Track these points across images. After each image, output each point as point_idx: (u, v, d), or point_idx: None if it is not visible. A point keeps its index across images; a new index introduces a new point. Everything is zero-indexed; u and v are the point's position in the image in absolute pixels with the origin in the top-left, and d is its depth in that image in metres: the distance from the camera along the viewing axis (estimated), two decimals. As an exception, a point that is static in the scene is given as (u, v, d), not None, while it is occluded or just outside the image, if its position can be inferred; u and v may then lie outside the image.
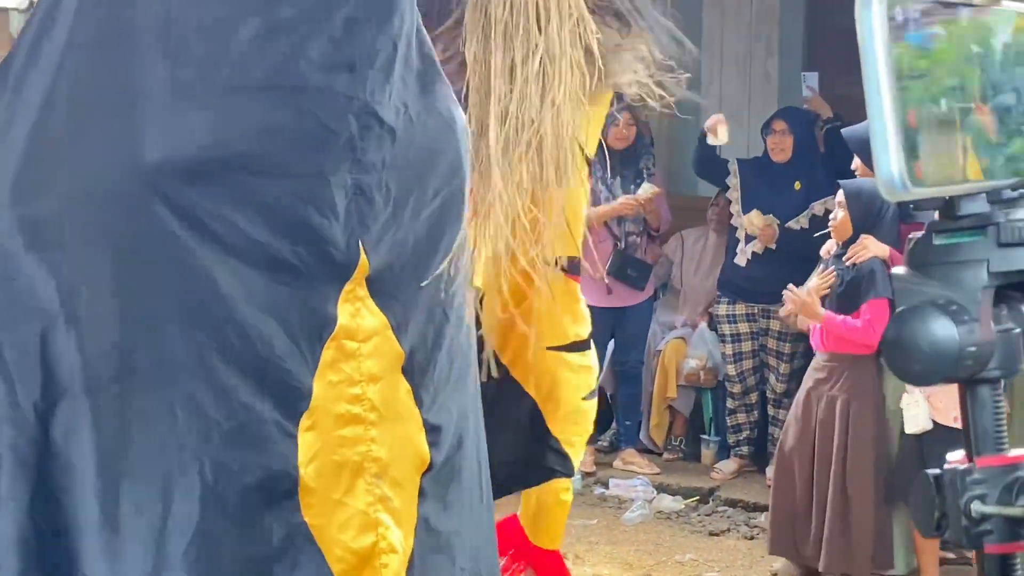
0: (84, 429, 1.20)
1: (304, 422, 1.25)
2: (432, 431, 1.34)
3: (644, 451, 6.08)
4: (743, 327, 5.75)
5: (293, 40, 1.21)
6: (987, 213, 0.99)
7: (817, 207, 5.42)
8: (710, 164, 5.78)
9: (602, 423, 5.94)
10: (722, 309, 5.82)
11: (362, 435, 1.29)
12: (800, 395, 4.55)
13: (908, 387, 4.05)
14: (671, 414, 6.19)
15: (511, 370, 2.42)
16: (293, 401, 1.25)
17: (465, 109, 1.55)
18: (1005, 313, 1.00)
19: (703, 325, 6.09)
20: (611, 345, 5.99)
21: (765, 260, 5.53)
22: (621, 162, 5.83)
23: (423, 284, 1.31)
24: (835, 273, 4.32)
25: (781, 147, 5.59)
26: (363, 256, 1.26)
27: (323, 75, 1.22)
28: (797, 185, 5.56)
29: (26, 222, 1.19)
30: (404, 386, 1.31)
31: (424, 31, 1.33)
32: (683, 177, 6.46)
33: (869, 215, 4.32)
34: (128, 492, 1.21)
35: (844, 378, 4.34)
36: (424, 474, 1.35)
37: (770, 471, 5.62)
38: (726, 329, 5.79)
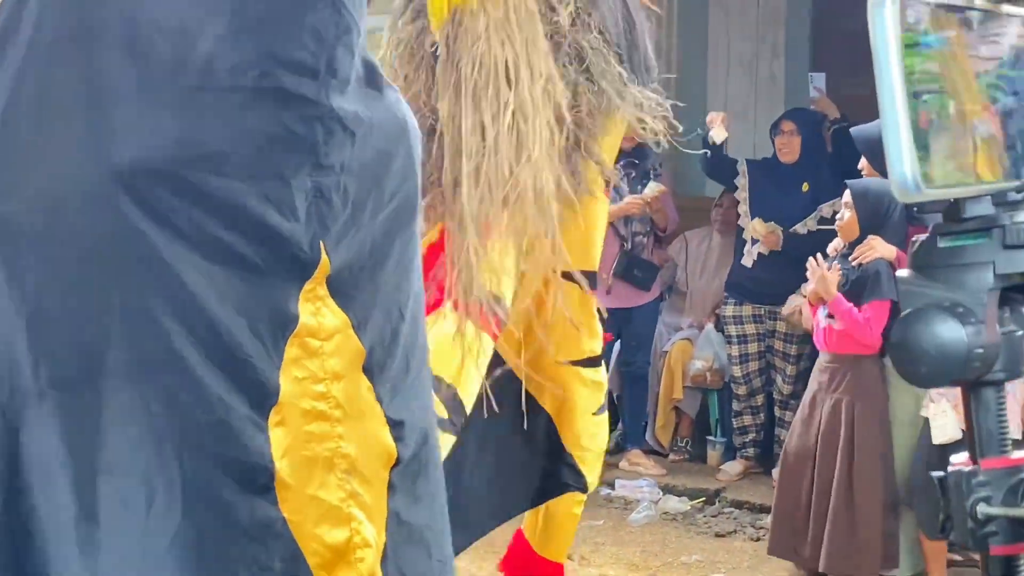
0: (54, 427, 1.20)
1: (273, 417, 1.28)
2: (396, 426, 1.37)
3: (650, 452, 6.08)
4: (750, 328, 5.74)
5: (260, 44, 1.24)
6: (992, 215, 0.99)
7: (825, 208, 5.41)
8: (718, 165, 5.79)
9: (608, 424, 5.93)
10: (729, 310, 5.81)
11: (329, 431, 1.31)
12: (806, 397, 4.56)
13: (933, 396, 4.02)
14: (677, 415, 6.18)
15: (527, 385, 2.43)
16: (262, 396, 1.27)
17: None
18: (1008, 315, 1.00)
19: (709, 326, 6.08)
20: (617, 346, 5.99)
21: (772, 262, 5.53)
22: (628, 162, 5.84)
23: (381, 283, 1.35)
24: (840, 271, 4.32)
25: (789, 148, 5.58)
26: (324, 256, 1.29)
27: (289, 79, 1.24)
28: (805, 186, 5.55)
29: None
30: (365, 383, 1.34)
31: (364, 39, 1.37)
32: (690, 177, 6.46)
33: (876, 215, 4.31)
34: (107, 486, 1.21)
35: (847, 379, 4.34)
36: (392, 468, 1.37)
37: (776, 472, 5.63)
38: (733, 330, 5.79)
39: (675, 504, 5.52)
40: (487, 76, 1.40)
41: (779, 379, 5.72)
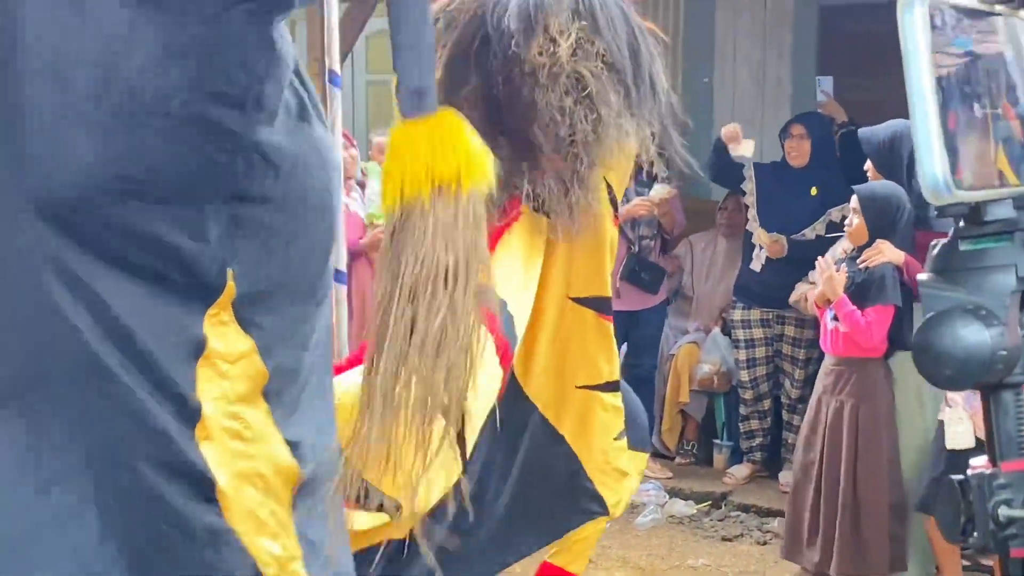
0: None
1: (199, 432, 1.31)
2: (295, 446, 1.41)
3: (656, 455, 6.07)
4: (757, 332, 5.74)
5: (187, 73, 1.25)
6: (1014, 218, 0.99)
7: (834, 213, 5.40)
8: (725, 169, 5.78)
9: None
10: (737, 314, 5.81)
11: (245, 451, 1.35)
12: (812, 400, 4.56)
13: (949, 401, 4.02)
14: (683, 419, 6.18)
15: (544, 412, 2.43)
16: (188, 413, 1.30)
17: None
18: None
19: (716, 330, 6.08)
20: (624, 349, 5.99)
21: (781, 266, 5.52)
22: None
23: (288, 312, 1.38)
24: (847, 274, 4.32)
25: (798, 151, 5.58)
26: (230, 282, 1.32)
27: (215, 110, 1.27)
28: (814, 191, 5.55)
29: None
30: (264, 406, 1.38)
31: (304, 73, 1.40)
32: (696, 180, 6.45)
33: (884, 220, 4.31)
34: (55, 500, 1.24)
35: (852, 382, 4.34)
36: (295, 487, 1.41)
37: (783, 476, 5.64)
38: (740, 334, 5.79)
39: (681, 508, 5.52)
40: (427, 276, 1.40)
41: (787, 383, 5.72)
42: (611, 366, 2.52)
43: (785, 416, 5.77)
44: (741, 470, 5.83)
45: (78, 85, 1.22)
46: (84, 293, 1.24)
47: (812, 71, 6.61)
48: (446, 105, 1.48)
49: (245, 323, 1.34)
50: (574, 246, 2.37)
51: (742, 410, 5.86)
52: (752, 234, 5.67)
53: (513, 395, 2.33)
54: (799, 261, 5.39)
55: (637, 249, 5.82)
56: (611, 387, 2.53)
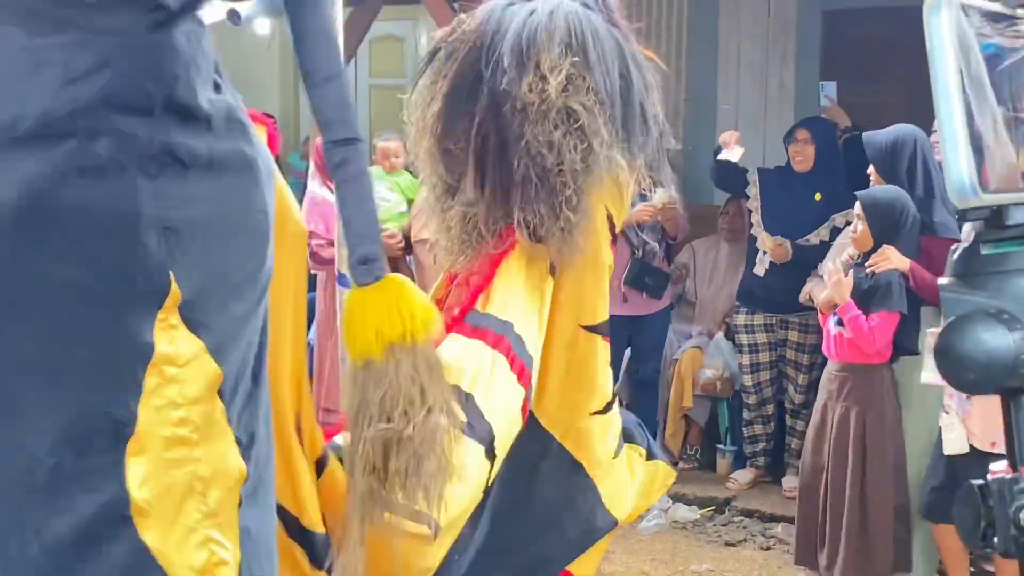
0: None
1: (131, 447, 1.31)
2: (243, 445, 1.43)
3: (659, 460, 6.06)
4: (761, 337, 5.73)
5: (93, 87, 1.28)
6: (1036, 222, 0.99)
7: (838, 219, 5.39)
8: (728, 175, 5.78)
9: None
10: (740, 319, 5.80)
11: (188, 456, 1.36)
12: (817, 406, 4.55)
13: (946, 407, 4.02)
14: (686, 423, 6.17)
15: (563, 442, 2.45)
16: (118, 428, 1.31)
17: None
18: None
19: (720, 335, 6.08)
20: (627, 354, 5.98)
21: (785, 271, 5.52)
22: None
23: (233, 309, 1.41)
24: (853, 279, 4.32)
25: (803, 156, 5.57)
26: (174, 286, 1.33)
27: (122, 119, 1.29)
28: (818, 196, 5.54)
29: None
30: (219, 406, 1.40)
31: (225, 81, 1.44)
32: (700, 185, 6.46)
33: (889, 225, 4.31)
34: None
35: (856, 388, 4.33)
36: (242, 486, 1.44)
37: (786, 481, 5.63)
38: (744, 339, 5.78)
39: (685, 513, 5.51)
40: (392, 403, 1.58)
41: (791, 388, 5.71)
42: (608, 385, 2.56)
43: (788, 421, 5.76)
44: (744, 475, 5.82)
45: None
46: (14, 315, 1.26)
47: (815, 76, 6.61)
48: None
49: (193, 325, 1.36)
50: (582, 274, 2.41)
51: (745, 415, 5.86)
52: (756, 239, 5.66)
53: (529, 425, 2.36)
54: (803, 266, 5.39)
55: (641, 254, 5.81)
56: (610, 406, 2.57)
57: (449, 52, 2.41)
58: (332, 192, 2.10)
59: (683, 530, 5.38)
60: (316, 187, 4.88)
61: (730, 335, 5.99)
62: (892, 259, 4.24)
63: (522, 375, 2.22)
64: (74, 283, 1.27)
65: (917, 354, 4.16)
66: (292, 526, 1.90)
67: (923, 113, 5.06)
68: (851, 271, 4.36)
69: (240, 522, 1.42)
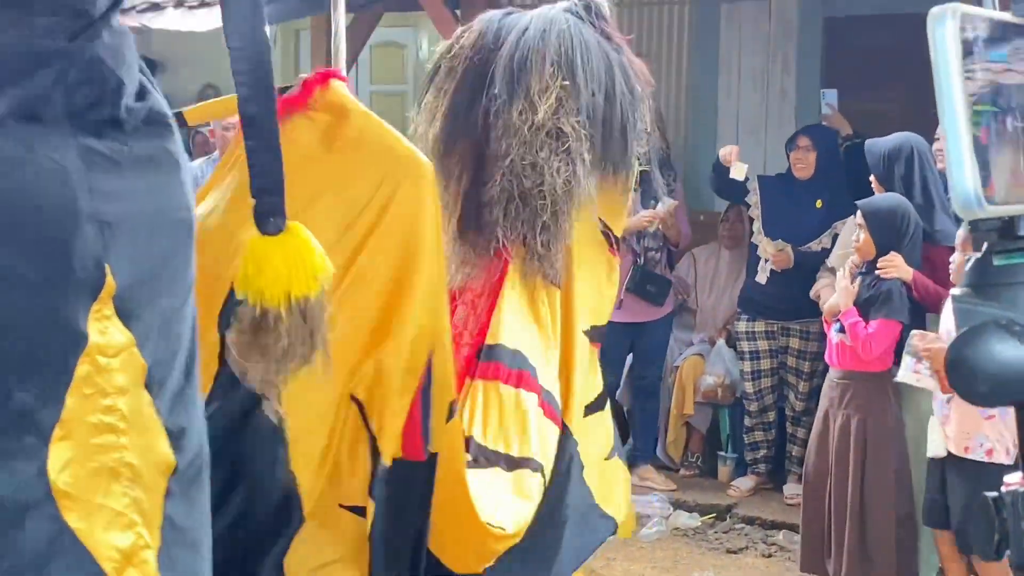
0: None
1: (57, 432, 1.36)
2: (174, 436, 1.49)
3: (661, 467, 6.06)
4: (762, 344, 5.73)
5: (13, 98, 1.33)
6: (1048, 233, 0.98)
7: (839, 226, 5.40)
8: (727, 184, 5.79)
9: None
10: (742, 326, 5.80)
11: (115, 443, 1.41)
12: (819, 413, 4.55)
13: (934, 410, 4.03)
14: (688, 430, 6.17)
15: (578, 447, 2.50)
16: (45, 414, 1.35)
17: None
18: None
19: (721, 342, 6.07)
20: (629, 360, 5.98)
21: (786, 278, 5.52)
22: (641, 176, 5.82)
23: (161, 303, 1.48)
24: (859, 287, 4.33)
25: (804, 163, 5.57)
26: (109, 278, 1.39)
27: (35, 127, 1.34)
28: (819, 203, 5.54)
29: None
30: (146, 397, 1.45)
31: (151, 82, 1.52)
32: (700, 192, 6.46)
33: (891, 233, 4.31)
34: None
35: (857, 396, 4.33)
36: (171, 476, 1.49)
37: (787, 489, 5.63)
38: (745, 346, 5.78)
39: (686, 520, 5.50)
40: (282, 353, 1.72)
41: (792, 395, 5.71)
42: (599, 383, 2.61)
43: (789, 428, 5.76)
44: (745, 482, 5.82)
45: None
46: None
47: (817, 84, 6.61)
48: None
49: (125, 316, 1.41)
50: (580, 283, 2.47)
51: (747, 422, 5.85)
52: (757, 246, 5.66)
53: (563, 435, 2.45)
54: (805, 273, 5.39)
55: (643, 261, 5.81)
56: (601, 403, 2.61)
57: (448, 69, 2.48)
58: None
59: (684, 537, 5.37)
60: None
61: (731, 342, 5.98)
62: (898, 268, 4.24)
63: (547, 411, 2.32)
64: (11, 272, 1.31)
65: (920, 362, 4.16)
66: (373, 445, 2.07)
67: (924, 121, 5.10)
68: (857, 279, 4.36)
69: (165, 510, 1.47)
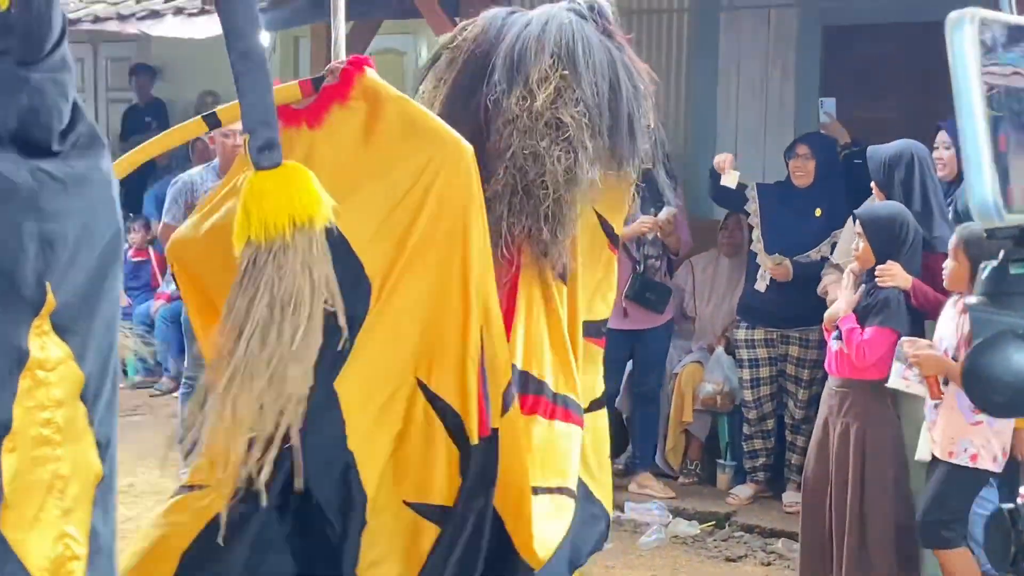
0: None
1: (7, 444, 1.40)
2: (101, 447, 1.54)
3: (659, 475, 6.05)
4: (761, 352, 5.72)
5: None
6: (1065, 242, 0.97)
7: (838, 235, 5.39)
8: (725, 193, 5.78)
9: (617, 446, 5.91)
10: (741, 334, 5.79)
11: (51, 455, 1.45)
12: (818, 422, 4.54)
13: (925, 414, 4.04)
14: (687, 438, 6.16)
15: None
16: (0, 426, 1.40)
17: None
18: None
19: (720, 349, 6.06)
20: (629, 368, 5.97)
21: (785, 286, 5.52)
22: (644, 184, 5.82)
23: (97, 318, 1.52)
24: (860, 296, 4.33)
25: (803, 171, 5.57)
26: (49, 295, 1.44)
27: (3, 138, 1.41)
28: (818, 212, 5.54)
29: None
30: (81, 409, 1.50)
31: (82, 108, 1.58)
32: (699, 200, 6.46)
33: (889, 241, 4.31)
34: None
35: (857, 405, 4.33)
36: (97, 485, 1.54)
37: (786, 497, 5.62)
38: (744, 354, 5.77)
39: (685, 528, 5.49)
40: (288, 295, 1.74)
41: (791, 403, 5.70)
42: (600, 384, 2.64)
43: (788, 436, 5.75)
44: (744, 490, 5.81)
45: None
46: None
47: (815, 92, 6.61)
48: None
49: (61, 331, 1.46)
50: (585, 276, 2.48)
51: (746, 429, 5.84)
52: (756, 254, 5.66)
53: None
54: (804, 282, 5.38)
55: (643, 269, 5.80)
56: (600, 403, 2.63)
57: (450, 59, 2.49)
58: None
59: (683, 545, 5.36)
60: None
61: (730, 350, 5.98)
62: (896, 276, 4.23)
63: (565, 416, 2.39)
64: None
65: (919, 370, 4.16)
66: (454, 426, 2.14)
67: (922, 130, 5.11)
68: (861, 287, 4.35)
69: (91, 520, 1.51)
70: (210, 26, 7.21)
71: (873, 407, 4.30)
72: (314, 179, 1.78)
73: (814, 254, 5.49)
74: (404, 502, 2.17)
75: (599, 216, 2.57)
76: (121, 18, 7.88)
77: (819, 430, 4.50)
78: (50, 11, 1.47)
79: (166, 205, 6.05)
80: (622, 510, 5.64)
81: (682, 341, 6.29)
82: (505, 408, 2.21)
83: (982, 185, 0.88)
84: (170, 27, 7.53)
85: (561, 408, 2.38)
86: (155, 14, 7.65)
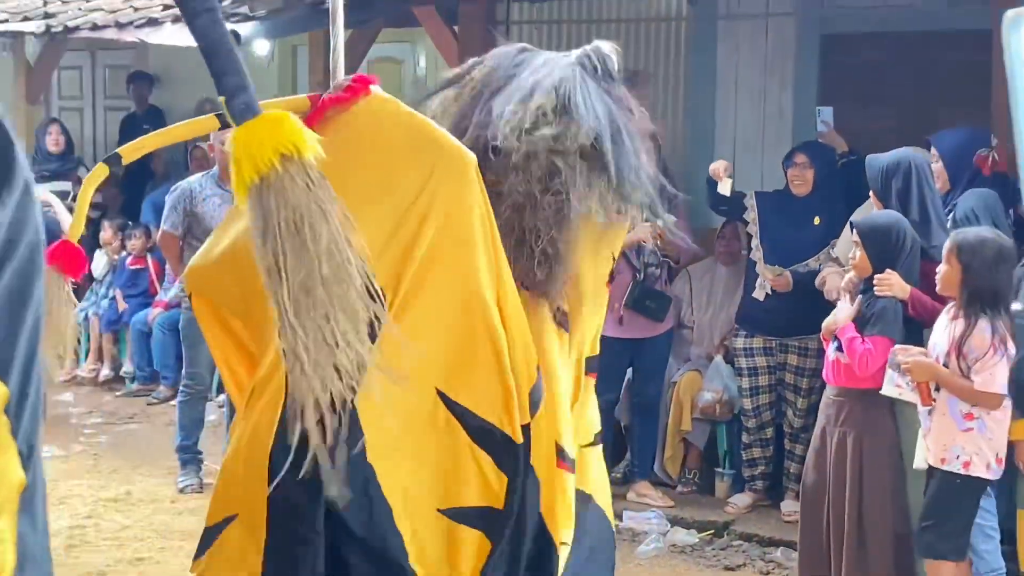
0: None
1: None
2: (24, 457, 1.53)
3: (658, 483, 6.04)
4: (760, 361, 5.72)
5: None
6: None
7: (836, 243, 5.40)
8: (722, 201, 5.79)
9: (616, 454, 5.91)
10: (739, 342, 5.79)
11: None
12: (816, 430, 4.55)
13: (921, 422, 4.05)
14: (685, 447, 6.15)
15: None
16: None
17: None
18: None
19: (718, 358, 6.06)
20: (628, 376, 5.97)
21: (784, 294, 5.52)
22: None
23: (20, 327, 1.51)
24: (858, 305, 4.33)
25: (802, 180, 5.58)
26: None
27: None
28: (816, 220, 5.55)
29: None
30: (5, 422, 1.49)
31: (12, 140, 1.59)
32: (697, 209, 6.46)
33: (887, 250, 4.31)
34: None
35: (854, 414, 4.33)
36: (21, 494, 1.54)
37: (785, 506, 5.62)
38: (743, 363, 5.77)
39: (683, 536, 5.48)
40: (299, 217, 1.79)
41: (790, 412, 5.70)
42: (597, 420, 2.71)
43: (787, 445, 5.75)
44: (743, 499, 5.80)
45: None
46: None
47: (813, 101, 6.63)
48: None
49: None
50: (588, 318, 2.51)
51: (744, 438, 5.84)
52: (754, 263, 5.66)
53: None
54: (803, 290, 5.39)
55: (642, 277, 5.80)
56: (598, 441, 2.68)
57: (456, 94, 2.51)
58: None
59: (682, 554, 5.35)
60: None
61: (729, 358, 5.98)
62: (894, 286, 4.24)
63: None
64: None
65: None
66: (477, 430, 2.20)
67: (919, 139, 5.11)
68: (858, 297, 4.36)
69: (20, 528, 1.51)
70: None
71: (870, 416, 4.30)
72: (295, 118, 1.85)
73: (813, 263, 5.50)
74: (438, 510, 2.22)
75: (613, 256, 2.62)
76: (119, 26, 7.89)
77: (817, 439, 4.50)
78: None
79: (165, 212, 6.06)
80: (620, 519, 5.62)
81: (680, 349, 6.29)
82: (533, 409, 2.26)
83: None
84: (168, 35, 7.54)
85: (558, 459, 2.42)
86: (153, 22, 7.65)
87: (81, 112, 11.04)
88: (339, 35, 2.56)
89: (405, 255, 2.18)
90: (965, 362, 3.84)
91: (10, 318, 1.51)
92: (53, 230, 2.17)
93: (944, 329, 3.99)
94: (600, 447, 2.66)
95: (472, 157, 2.23)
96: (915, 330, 4.26)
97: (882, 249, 4.31)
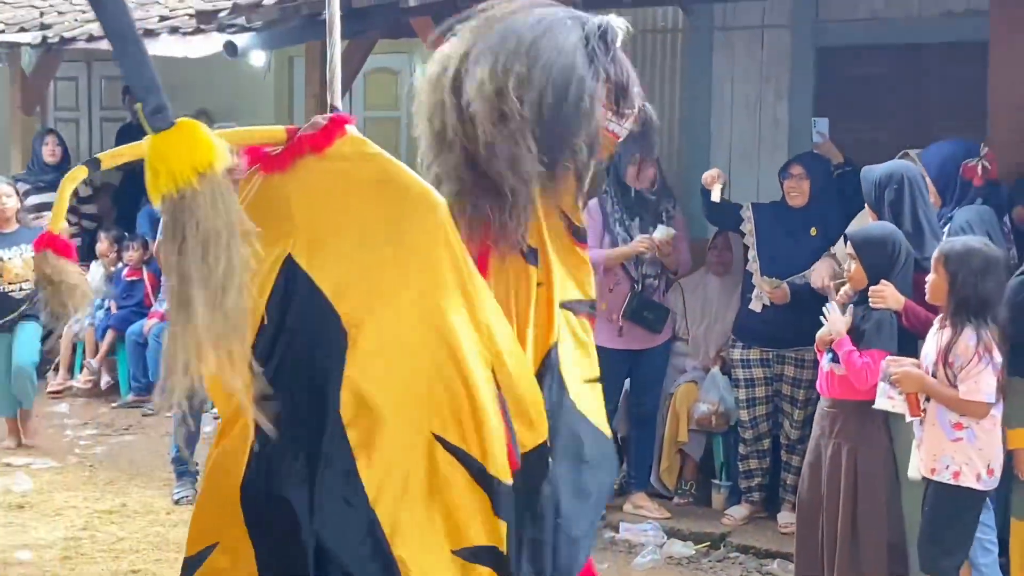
0: None
1: None
2: None
3: (654, 495, 6.03)
4: (757, 372, 5.72)
5: None
6: None
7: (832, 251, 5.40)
8: (719, 211, 5.79)
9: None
10: (736, 353, 5.79)
11: None
12: (811, 443, 4.55)
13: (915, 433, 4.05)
14: (681, 458, 6.15)
15: None
16: None
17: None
18: None
19: (715, 369, 6.06)
20: (626, 387, 5.96)
21: (780, 306, 5.51)
22: (641, 203, 5.83)
23: None
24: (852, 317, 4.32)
25: (798, 191, 5.58)
26: None
27: None
28: (813, 231, 5.55)
29: None
30: None
31: None
32: (693, 219, 6.47)
33: (881, 262, 4.32)
34: None
35: (848, 425, 4.33)
36: None
37: (781, 517, 5.61)
38: (740, 374, 5.76)
39: (680, 548, 5.47)
40: (206, 236, 1.94)
41: (786, 423, 5.69)
42: (596, 368, 2.64)
43: (784, 456, 5.74)
44: (740, 510, 5.79)
45: None
46: None
47: (809, 112, 6.64)
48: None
49: None
50: (558, 256, 2.50)
51: (741, 449, 5.83)
52: (751, 274, 5.66)
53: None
54: (799, 301, 5.38)
55: (640, 288, 5.80)
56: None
57: (441, 70, 2.50)
58: None
59: (678, 566, 5.34)
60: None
61: (726, 370, 5.97)
62: (888, 298, 4.24)
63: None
64: None
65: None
66: (477, 472, 2.21)
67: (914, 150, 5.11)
68: (849, 308, 4.36)
69: None
70: (205, 45, 7.22)
71: (864, 427, 4.30)
72: (206, 129, 1.97)
73: (809, 273, 5.49)
74: (452, 552, 2.22)
75: (562, 211, 2.59)
76: (116, 37, 7.88)
77: (812, 451, 4.50)
78: None
79: (161, 224, 6.05)
80: (616, 531, 5.62)
81: (677, 361, 6.28)
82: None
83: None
84: (165, 46, 7.54)
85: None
86: (150, 33, 7.66)
87: (77, 123, 11.04)
88: (336, 46, 2.56)
89: (375, 296, 2.21)
90: (951, 371, 3.85)
91: None
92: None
93: (933, 339, 4.00)
94: (600, 386, 2.62)
95: (442, 202, 2.28)
96: (909, 341, 4.26)
97: (877, 260, 4.31)
